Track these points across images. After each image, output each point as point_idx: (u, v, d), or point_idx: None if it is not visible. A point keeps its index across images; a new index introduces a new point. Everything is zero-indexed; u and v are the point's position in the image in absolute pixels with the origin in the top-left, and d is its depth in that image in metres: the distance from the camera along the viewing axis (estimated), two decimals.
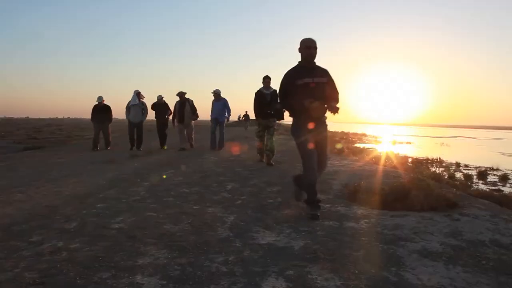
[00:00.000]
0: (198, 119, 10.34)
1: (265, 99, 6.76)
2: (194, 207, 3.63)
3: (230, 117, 10.05)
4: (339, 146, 13.64)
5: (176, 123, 10.06)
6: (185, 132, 10.05)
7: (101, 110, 10.20)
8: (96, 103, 10.26)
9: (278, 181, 5.19)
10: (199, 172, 5.98)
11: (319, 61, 3.40)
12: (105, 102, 10.39)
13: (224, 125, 9.82)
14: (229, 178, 5.38)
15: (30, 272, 2.06)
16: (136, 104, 9.87)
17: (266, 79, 6.90)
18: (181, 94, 9.77)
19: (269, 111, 6.72)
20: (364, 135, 40.49)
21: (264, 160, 7.14)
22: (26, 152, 10.58)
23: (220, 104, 9.60)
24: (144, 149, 9.78)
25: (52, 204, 3.72)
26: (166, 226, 2.97)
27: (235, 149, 10.12)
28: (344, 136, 32.07)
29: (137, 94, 9.90)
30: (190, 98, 9.95)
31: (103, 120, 10.23)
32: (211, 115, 9.73)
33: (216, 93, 9.59)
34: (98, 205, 3.64)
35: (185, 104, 9.72)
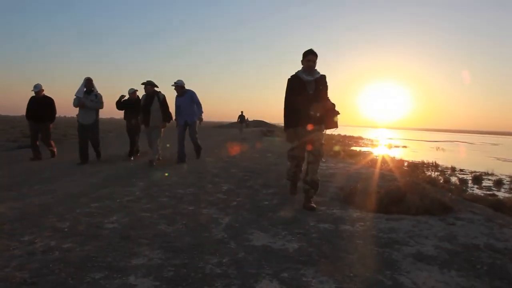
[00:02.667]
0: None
1: (305, 91, 3.78)
2: (189, 208, 3.60)
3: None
4: (336, 148, 13.68)
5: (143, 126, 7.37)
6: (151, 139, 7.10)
7: (39, 104, 7.38)
8: (33, 94, 7.43)
9: (274, 183, 5.18)
10: (195, 173, 5.96)
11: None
12: (45, 93, 7.59)
13: (196, 127, 7.37)
14: (224, 180, 5.36)
15: (22, 271, 2.03)
16: (87, 97, 6.90)
17: (309, 56, 3.78)
18: (148, 85, 6.91)
19: (313, 112, 3.75)
20: (361, 138, 40.66)
21: (294, 193, 4.31)
22: (20, 151, 10.49)
23: (186, 99, 7.21)
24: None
25: (45, 203, 3.68)
26: (161, 226, 2.94)
27: (231, 150, 10.08)
28: (341, 139, 32.17)
29: (87, 82, 6.96)
30: (161, 92, 7.08)
31: (41, 117, 7.40)
32: (177, 117, 7.36)
33: (179, 85, 7.20)
34: (92, 205, 3.61)
35: (152, 100, 6.89)
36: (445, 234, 2.86)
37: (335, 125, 3.90)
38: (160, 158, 7.38)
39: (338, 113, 3.88)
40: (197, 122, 7.39)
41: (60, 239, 2.57)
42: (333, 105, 3.90)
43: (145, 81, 6.93)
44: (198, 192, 4.40)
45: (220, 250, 2.44)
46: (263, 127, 46.21)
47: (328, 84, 3.95)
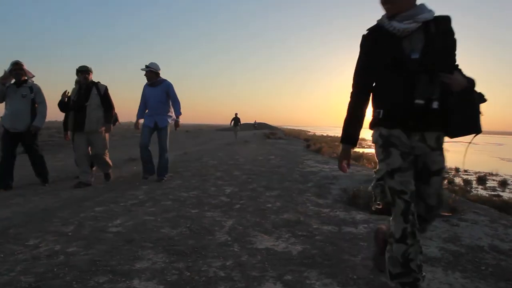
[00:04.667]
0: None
1: (400, 55, 1.71)
2: (193, 211, 3.61)
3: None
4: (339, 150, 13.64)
5: (69, 133, 5.20)
6: (89, 150, 5.06)
7: None
8: None
9: (277, 185, 5.18)
10: (198, 176, 5.97)
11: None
12: None
13: (167, 133, 5.34)
14: (227, 182, 5.37)
15: (26, 276, 2.04)
16: (16, 91, 4.69)
17: None
18: (82, 72, 4.93)
19: (419, 101, 1.65)
20: (363, 139, 40.55)
21: None
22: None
23: (158, 92, 5.26)
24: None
25: (50, 207, 3.70)
26: (164, 230, 2.95)
27: (233, 153, 10.04)
28: None
29: (15, 68, 4.68)
30: (102, 83, 5.09)
31: None
32: (139, 114, 5.42)
33: (152, 71, 5.29)
34: (96, 209, 3.62)
35: (89, 93, 4.92)
36: (449, 236, 2.85)
37: (474, 128, 1.75)
38: (110, 174, 5.51)
39: (481, 99, 1.76)
40: (172, 125, 5.47)
41: (64, 243, 2.58)
42: (470, 81, 1.72)
43: (79, 67, 4.95)
44: (201, 195, 4.41)
45: (224, 253, 2.44)
46: (266, 130, 46.27)
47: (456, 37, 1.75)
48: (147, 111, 5.39)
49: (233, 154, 10.38)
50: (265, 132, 33.77)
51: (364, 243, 2.69)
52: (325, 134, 41.16)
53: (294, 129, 54.07)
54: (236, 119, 21.95)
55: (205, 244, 2.61)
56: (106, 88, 5.07)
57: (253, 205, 3.90)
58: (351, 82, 1.94)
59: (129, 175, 5.99)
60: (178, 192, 4.56)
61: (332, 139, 25.77)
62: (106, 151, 5.19)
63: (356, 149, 21.84)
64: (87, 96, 4.92)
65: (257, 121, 54.64)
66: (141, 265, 2.22)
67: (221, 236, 2.81)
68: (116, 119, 5.42)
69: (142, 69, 5.33)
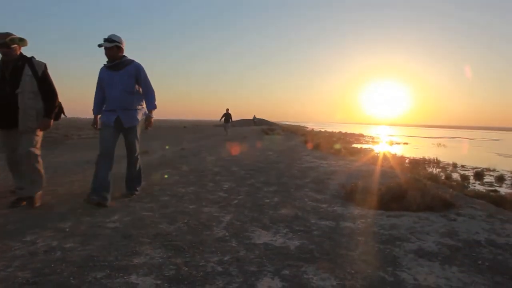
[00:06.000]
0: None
1: None
2: (190, 206, 3.61)
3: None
4: (337, 146, 13.65)
5: None
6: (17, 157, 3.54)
7: None
8: None
9: (275, 181, 5.19)
10: (196, 171, 5.97)
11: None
12: None
13: (138, 134, 3.90)
14: (225, 178, 5.37)
15: (23, 271, 2.04)
16: None
17: None
18: (1, 46, 3.29)
19: None
20: (362, 135, 40.64)
21: None
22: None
23: (123, 77, 3.70)
24: None
25: (47, 203, 3.69)
26: (162, 225, 2.95)
27: (232, 149, 10.01)
28: (342, 137, 32.17)
29: None
30: (41, 61, 3.51)
31: None
32: (96, 108, 3.91)
33: (118, 46, 3.69)
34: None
35: (20, 74, 3.38)
36: (446, 230, 2.86)
37: None
38: (38, 204, 3.55)
39: None
40: (142, 123, 3.91)
41: (61, 239, 2.58)
42: None
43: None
44: (199, 190, 4.41)
45: (221, 248, 2.44)
46: (264, 126, 46.30)
47: None
48: (105, 104, 3.87)
49: (231, 150, 10.38)
50: (263, 128, 33.80)
51: (362, 238, 2.70)
52: (323, 130, 41.25)
53: (292, 125, 54.08)
54: (227, 115, 20.20)
55: (203, 240, 2.61)
56: (45, 67, 3.54)
57: (251, 201, 3.90)
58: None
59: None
60: (176, 187, 4.56)
61: (330, 134, 25.80)
62: (38, 152, 3.58)
63: (354, 145, 21.79)
64: (17, 78, 3.39)
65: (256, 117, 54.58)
66: (138, 260, 2.22)
67: (219, 232, 2.81)
68: (61, 111, 3.77)
69: (99, 45, 3.67)
